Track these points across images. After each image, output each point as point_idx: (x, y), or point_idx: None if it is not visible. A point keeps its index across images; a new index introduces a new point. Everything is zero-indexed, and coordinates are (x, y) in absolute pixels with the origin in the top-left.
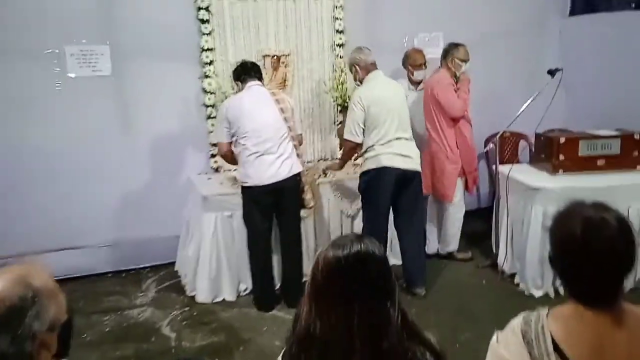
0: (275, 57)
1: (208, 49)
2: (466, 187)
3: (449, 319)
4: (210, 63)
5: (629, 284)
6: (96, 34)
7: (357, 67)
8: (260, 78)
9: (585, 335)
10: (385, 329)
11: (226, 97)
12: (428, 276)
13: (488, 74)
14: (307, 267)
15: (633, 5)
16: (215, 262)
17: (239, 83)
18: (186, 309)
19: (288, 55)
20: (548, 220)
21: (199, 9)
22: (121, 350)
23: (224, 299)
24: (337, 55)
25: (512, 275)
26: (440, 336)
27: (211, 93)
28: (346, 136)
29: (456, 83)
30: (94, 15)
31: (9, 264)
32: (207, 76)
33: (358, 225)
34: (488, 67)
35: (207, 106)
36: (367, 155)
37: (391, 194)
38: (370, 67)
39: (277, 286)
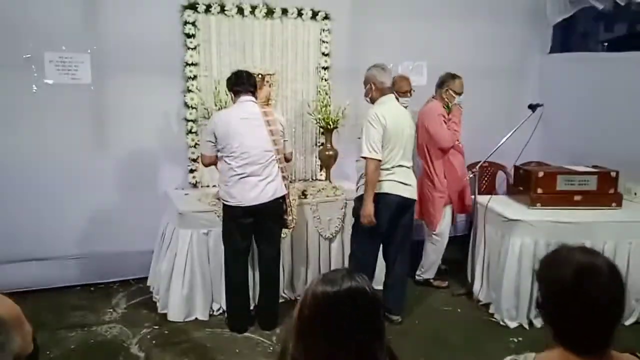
0: (260, 76)
1: (192, 64)
2: (459, 211)
3: (424, 347)
4: (194, 78)
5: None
6: (77, 41)
7: (373, 85)
8: (254, 92)
9: None
10: None
11: (209, 113)
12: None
13: (471, 105)
14: (282, 288)
15: (605, 45)
16: (188, 280)
17: (232, 94)
18: (156, 327)
19: (273, 74)
20: (525, 253)
21: (186, 23)
22: None
23: (196, 318)
24: (322, 78)
25: (487, 305)
26: None
27: (193, 108)
28: (365, 154)
29: (448, 113)
30: (77, 23)
31: None
32: (189, 91)
33: (336, 248)
34: (470, 99)
35: (189, 121)
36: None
37: (388, 221)
38: (387, 90)
39: (252, 307)
